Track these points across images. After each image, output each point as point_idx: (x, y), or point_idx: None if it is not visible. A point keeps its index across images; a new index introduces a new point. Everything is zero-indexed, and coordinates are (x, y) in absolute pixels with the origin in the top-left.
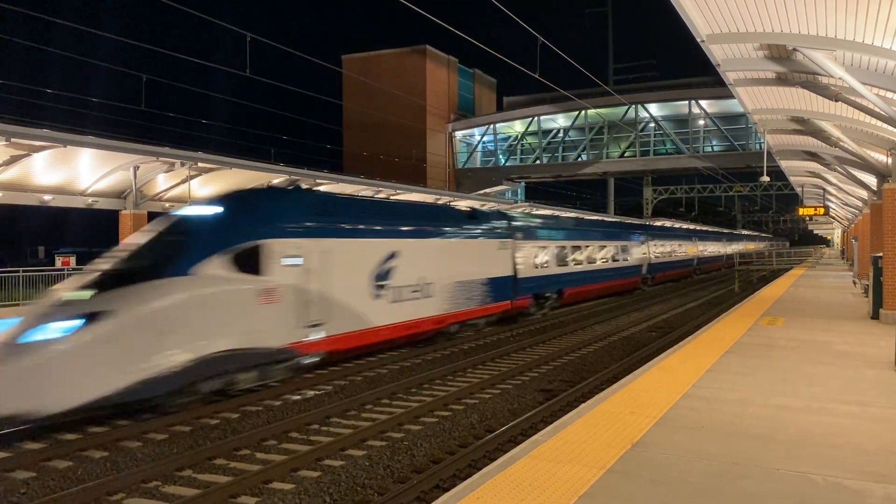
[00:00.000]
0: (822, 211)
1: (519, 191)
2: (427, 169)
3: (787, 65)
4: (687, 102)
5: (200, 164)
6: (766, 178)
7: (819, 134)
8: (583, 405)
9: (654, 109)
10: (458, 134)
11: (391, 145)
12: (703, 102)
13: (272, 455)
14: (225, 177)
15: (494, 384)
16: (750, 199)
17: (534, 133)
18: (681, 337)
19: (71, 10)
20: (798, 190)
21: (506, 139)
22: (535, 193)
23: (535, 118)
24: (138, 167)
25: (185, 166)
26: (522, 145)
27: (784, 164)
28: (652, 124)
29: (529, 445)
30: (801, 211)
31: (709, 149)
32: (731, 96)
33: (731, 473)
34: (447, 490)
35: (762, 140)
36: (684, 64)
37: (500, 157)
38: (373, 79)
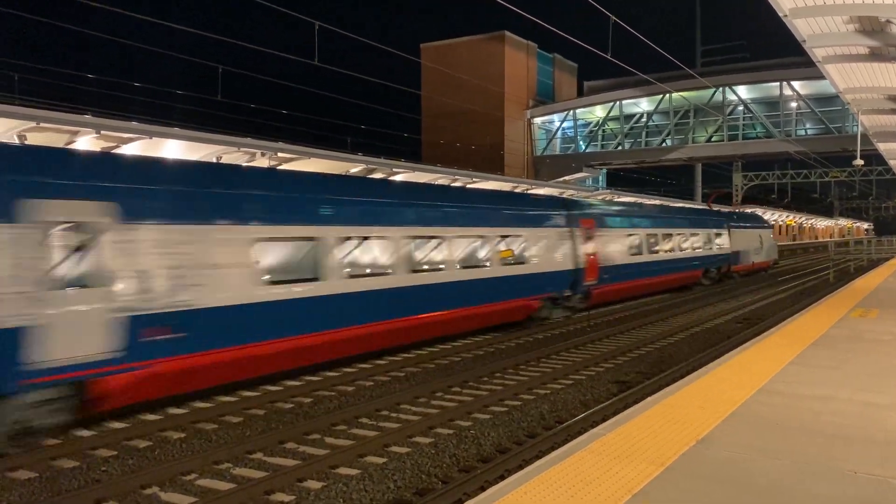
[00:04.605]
0: None
1: (600, 178)
2: (505, 156)
3: (882, 38)
4: (778, 84)
5: (280, 154)
6: (859, 162)
7: None
8: (649, 398)
9: (743, 92)
10: (537, 120)
11: (469, 133)
12: (795, 83)
13: (341, 440)
14: (303, 166)
15: (567, 374)
16: (848, 186)
17: (616, 118)
18: (766, 328)
19: (146, 4)
20: None
21: (586, 125)
22: (617, 180)
23: (617, 103)
24: (220, 157)
25: (266, 156)
26: (604, 131)
27: (882, 147)
28: (741, 107)
29: (588, 439)
30: None
31: (802, 132)
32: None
33: (803, 475)
34: None
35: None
36: (775, 44)
37: (581, 143)
38: (451, 67)
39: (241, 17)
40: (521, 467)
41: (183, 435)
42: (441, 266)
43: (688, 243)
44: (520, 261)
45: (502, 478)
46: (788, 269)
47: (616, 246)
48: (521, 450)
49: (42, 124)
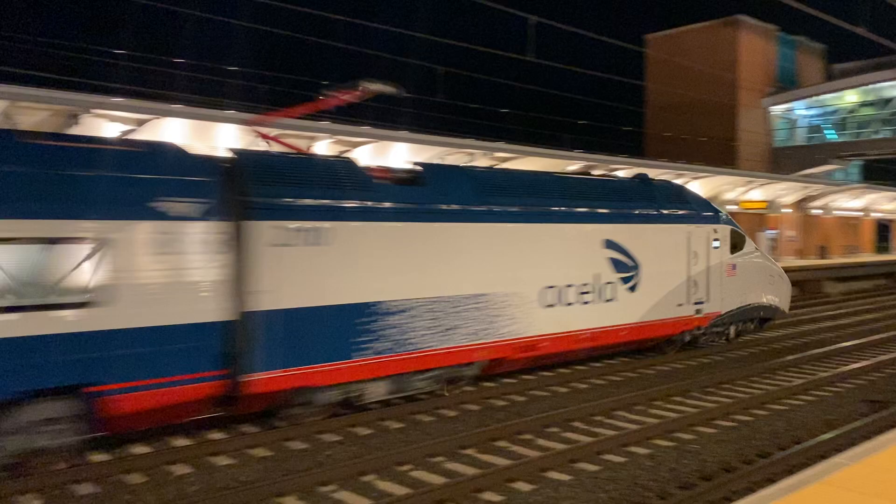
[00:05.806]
0: None
1: (852, 170)
2: (739, 148)
3: None
4: None
5: (497, 154)
6: None
7: None
8: None
9: None
10: (776, 109)
11: (698, 125)
12: None
13: (553, 443)
14: (520, 164)
15: (808, 390)
16: None
17: (871, 103)
18: None
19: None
20: None
21: (834, 112)
22: (874, 172)
23: (873, 86)
24: (443, 158)
25: (486, 156)
26: (856, 118)
27: None
28: None
29: (826, 468)
30: None
31: None
32: None
33: None
34: None
35: None
36: None
37: (827, 132)
38: (679, 56)
39: (456, 17)
40: (749, 490)
41: (401, 425)
42: None
43: None
44: None
45: (727, 500)
46: None
47: None
48: (749, 470)
49: (286, 131)
